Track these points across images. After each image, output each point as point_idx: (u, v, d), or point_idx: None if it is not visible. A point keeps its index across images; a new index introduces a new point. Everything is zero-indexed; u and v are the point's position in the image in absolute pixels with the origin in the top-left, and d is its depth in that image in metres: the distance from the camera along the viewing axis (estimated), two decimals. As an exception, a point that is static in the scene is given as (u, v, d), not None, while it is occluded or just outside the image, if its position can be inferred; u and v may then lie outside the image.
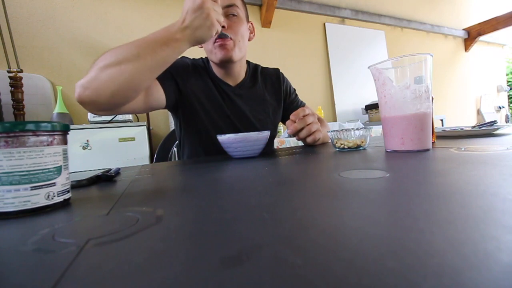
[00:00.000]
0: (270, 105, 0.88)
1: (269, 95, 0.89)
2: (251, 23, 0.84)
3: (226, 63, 0.76)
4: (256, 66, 0.92)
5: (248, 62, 0.89)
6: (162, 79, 0.67)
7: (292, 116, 0.64)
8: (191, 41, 0.54)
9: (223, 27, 0.64)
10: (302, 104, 0.95)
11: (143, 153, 1.52)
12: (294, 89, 0.98)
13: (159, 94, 0.67)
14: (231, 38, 0.71)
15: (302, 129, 0.65)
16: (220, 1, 0.66)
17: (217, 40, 0.71)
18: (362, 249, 0.12)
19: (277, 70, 0.95)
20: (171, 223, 0.18)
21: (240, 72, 0.83)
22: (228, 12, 0.72)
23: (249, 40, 0.82)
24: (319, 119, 0.90)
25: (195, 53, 0.88)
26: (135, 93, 0.54)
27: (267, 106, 0.87)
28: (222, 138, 0.57)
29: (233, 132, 0.61)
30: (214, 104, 0.79)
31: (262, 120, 0.86)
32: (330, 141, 0.83)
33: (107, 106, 0.52)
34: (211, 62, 0.82)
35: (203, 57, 0.85)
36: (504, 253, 0.10)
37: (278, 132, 1.92)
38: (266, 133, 0.58)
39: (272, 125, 0.89)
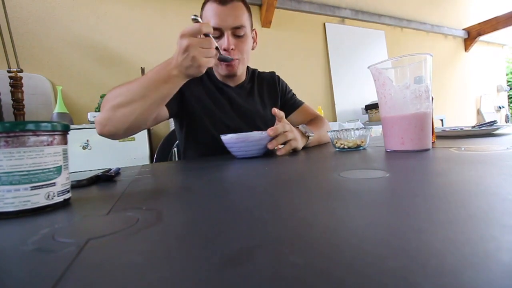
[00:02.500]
0: (268, 104, 0.91)
1: (266, 94, 0.92)
2: (255, 31, 0.85)
3: (230, 77, 0.82)
4: (254, 70, 0.96)
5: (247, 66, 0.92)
6: None
7: (270, 131, 0.56)
8: (186, 76, 0.55)
9: (227, 50, 0.70)
10: (299, 103, 0.96)
11: (143, 153, 1.52)
12: (291, 90, 1.00)
13: (163, 111, 0.72)
14: (237, 58, 0.75)
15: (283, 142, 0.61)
16: (229, 23, 0.70)
17: (222, 62, 0.74)
18: (362, 249, 0.12)
19: (272, 73, 0.99)
20: (171, 223, 0.18)
21: (241, 76, 0.87)
22: (236, 33, 0.73)
23: (252, 49, 0.84)
24: (319, 118, 0.90)
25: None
26: (146, 124, 0.63)
27: (265, 105, 0.90)
28: (225, 138, 0.57)
29: (238, 131, 0.60)
30: (217, 104, 0.81)
31: (263, 118, 0.87)
32: (330, 141, 0.83)
33: (124, 136, 0.63)
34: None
35: None
36: (504, 253, 0.10)
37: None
38: None
39: (271, 122, 0.90)
